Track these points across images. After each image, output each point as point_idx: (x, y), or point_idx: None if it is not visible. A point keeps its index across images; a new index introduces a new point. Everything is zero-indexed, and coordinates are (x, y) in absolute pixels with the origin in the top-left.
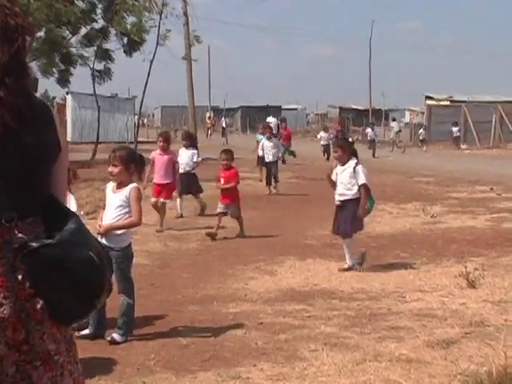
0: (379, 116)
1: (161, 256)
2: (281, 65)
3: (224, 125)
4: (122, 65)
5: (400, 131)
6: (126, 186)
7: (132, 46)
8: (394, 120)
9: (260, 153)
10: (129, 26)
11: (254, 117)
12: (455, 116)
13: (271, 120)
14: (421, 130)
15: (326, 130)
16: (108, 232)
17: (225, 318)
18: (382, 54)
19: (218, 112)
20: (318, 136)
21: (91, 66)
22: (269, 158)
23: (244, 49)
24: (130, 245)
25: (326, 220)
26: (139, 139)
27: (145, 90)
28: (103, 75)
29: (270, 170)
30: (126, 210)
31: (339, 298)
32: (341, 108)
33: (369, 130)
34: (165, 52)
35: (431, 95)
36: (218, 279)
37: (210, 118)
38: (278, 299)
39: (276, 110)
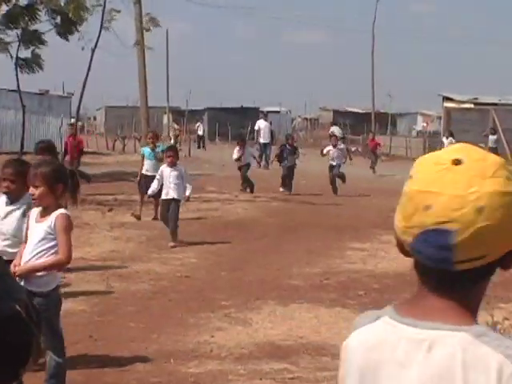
0: (384, 121)
1: (102, 300)
2: (259, 56)
3: (200, 131)
4: (55, 53)
5: None
6: (52, 212)
7: (68, 27)
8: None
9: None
10: (63, 2)
11: (224, 121)
12: (481, 122)
13: (262, 125)
14: (446, 139)
15: (335, 141)
16: (27, 275)
17: (184, 380)
18: (389, 43)
19: (177, 115)
20: (325, 151)
21: (14, 54)
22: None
23: (213, 35)
24: (56, 288)
25: (315, 254)
26: None
27: (84, 86)
28: (30, 65)
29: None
30: (51, 243)
31: (331, 355)
32: (336, 111)
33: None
34: (111, 39)
35: (450, 96)
36: (176, 330)
37: (177, 123)
38: (252, 356)
39: (252, 113)
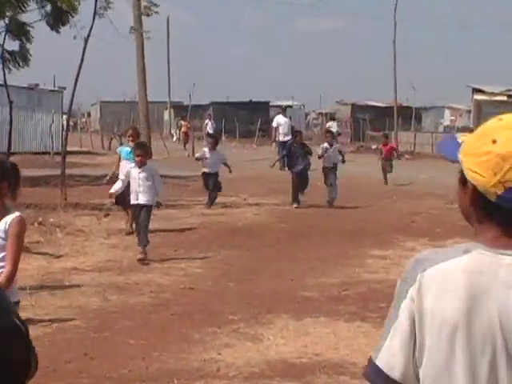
0: (408, 116)
1: (99, 314)
2: (268, 46)
3: (210, 129)
4: (45, 43)
5: None
6: (2, 216)
7: (59, 18)
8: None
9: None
10: None
11: (231, 117)
12: None
13: (282, 120)
14: None
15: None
16: None
17: None
18: (411, 30)
19: (179, 110)
20: (320, 152)
21: (0, 46)
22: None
23: (217, 23)
24: (15, 304)
25: (332, 262)
26: (69, 148)
27: (77, 79)
28: (17, 58)
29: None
30: (2, 253)
31: (350, 374)
32: (354, 105)
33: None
34: (107, 27)
35: (481, 88)
36: (180, 347)
37: (185, 120)
38: (263, 375)
39: (262, 108)
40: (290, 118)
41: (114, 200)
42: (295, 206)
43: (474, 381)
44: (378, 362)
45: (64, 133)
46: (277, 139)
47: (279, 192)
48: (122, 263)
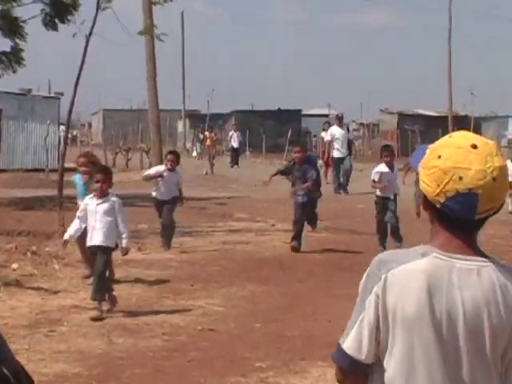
0: (465, 127)
1: (102, 360)
2: (301, 45)
3: (235, 143)
4: (41, 42)
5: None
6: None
7: (58, 13)
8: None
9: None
10: None
11: (256, 128)
12: None
13: (337, 132)
14: None
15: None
16: None
17: None
18: (471, 25)
19: (196, 120)
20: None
21: None
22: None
23: (241, 18)
24: None
25: None
26: (67, 165)
27: (77, 84)
28: (9, 60)
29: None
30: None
31: None
32: (401, 114)
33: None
34: (112, 23)
35: None
36: None
37: (210, 131)
38: None
39: (292, 117)
40: (348, 129)
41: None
42: (293, 244)
43: (431, 367)
44: (345, 347)
45: (61, 147)
46: (331, 155)
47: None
48: (129, 300)
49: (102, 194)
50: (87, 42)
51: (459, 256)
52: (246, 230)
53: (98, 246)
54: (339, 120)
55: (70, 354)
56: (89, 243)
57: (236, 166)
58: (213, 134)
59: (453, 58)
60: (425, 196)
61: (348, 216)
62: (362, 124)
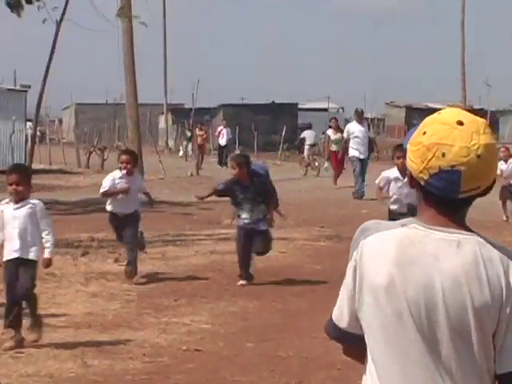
0: None
1: None
2: (296, 30)
3: (223, 140)
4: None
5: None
6: None
7: None
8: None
9: None
10: None
11: (247, 124)
12: None
13: (356, 129)
14: None
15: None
16: None
17: None
18: (486, 7)
19: (179, 115)
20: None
21: None
22: None
23: (228, 1)
24: None
25: None
26: (36, 166)
27: (46, 75)
28: None
29: None
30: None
31: None
32: (409, 108)
33: None
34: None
35: None
36: None
37: (200, 128)
38: None
39: (288, 112)
40: (369, 126)
41: None
42: (242, 283)
43: (403, 343)
44: (332, 315)
45: (29, 145)
46: (349, 155)
47: (311, 223)
48: (105, 317)
49: (20, 199)
50: (58, 28)
51: (440, 228)
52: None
53: (21, 260)
54: (359, 115)
55: (39, 377)
56: (8, 257)
57: (225, 167)
58: (203, 132)
59: (466, 45)
60: (411, 173)
61: (351, 223)
62: (366, 118)
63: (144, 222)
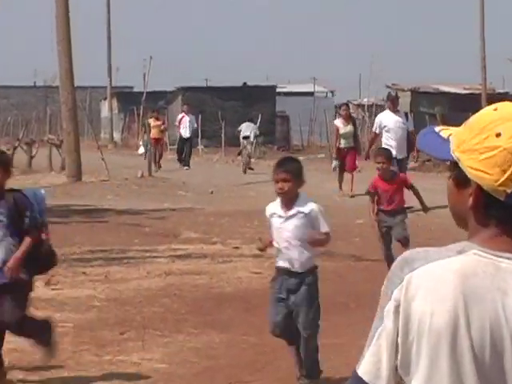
0: None
1: None
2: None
3: (186, 131)
4: None
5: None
6: None
7: None
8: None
9: None
10: None
11: (213, 112)
12: None
13: (390, 121)
14: None
15: None
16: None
17: None
18: None
19: (127, 100)
20: None
21: None
22: None
23: None
24: None
25: None
26: None
27: None
28: None
29: None
30: None
31: None
32: (415, 92)
33: None
34: None
35: None
36: None
37: (156, 117)
38: None
39: (263, 96)
40: (407, 116)
41: None
42: None
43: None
44: (360, 372)
45: None
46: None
47: None
48: (32, 356)
49: None
50: None
51: (507, 255)
52: (197, 256)
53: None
54: (392, 102)
55: None
56: None
57: (187, 168)
58: (160, 122)
59: (486, 15)
60: (478, 189)
61: (343, 235)
62: (359, 105)
63: (80, 234)
